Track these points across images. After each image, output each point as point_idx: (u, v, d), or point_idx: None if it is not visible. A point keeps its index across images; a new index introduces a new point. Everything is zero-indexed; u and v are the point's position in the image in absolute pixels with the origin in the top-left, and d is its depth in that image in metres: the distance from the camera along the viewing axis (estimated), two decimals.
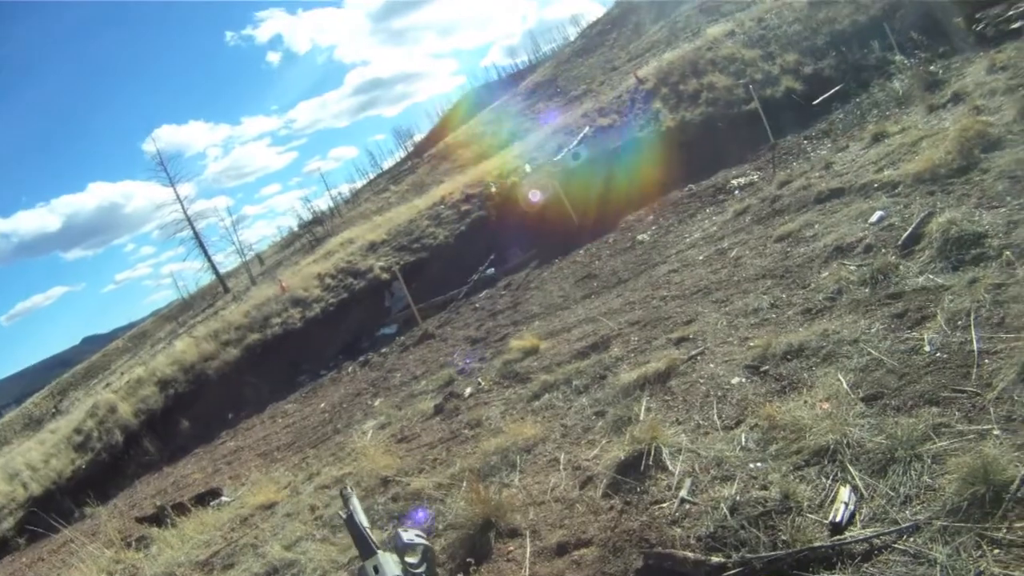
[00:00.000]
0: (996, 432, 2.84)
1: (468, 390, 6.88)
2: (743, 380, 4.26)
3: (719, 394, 4.20)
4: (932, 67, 11.37)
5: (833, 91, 13.58)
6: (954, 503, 2.56)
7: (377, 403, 9.01)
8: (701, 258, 8.06)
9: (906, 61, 12.73)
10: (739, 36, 17.50)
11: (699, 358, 4.86)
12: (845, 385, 3.68)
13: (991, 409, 3.00)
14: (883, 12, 14.80)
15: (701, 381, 4.49)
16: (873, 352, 3.90)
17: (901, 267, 4.88)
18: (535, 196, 14.87)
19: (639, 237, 11.21)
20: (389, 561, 1.14)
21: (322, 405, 10.96)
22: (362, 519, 1.33)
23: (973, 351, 3.48)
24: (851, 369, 3.84)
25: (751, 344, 4.71)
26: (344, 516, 1.35)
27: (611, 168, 14.64)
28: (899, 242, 5.32)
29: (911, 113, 10.06)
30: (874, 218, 6.18)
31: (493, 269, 13.97)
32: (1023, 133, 6.32)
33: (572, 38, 56.76)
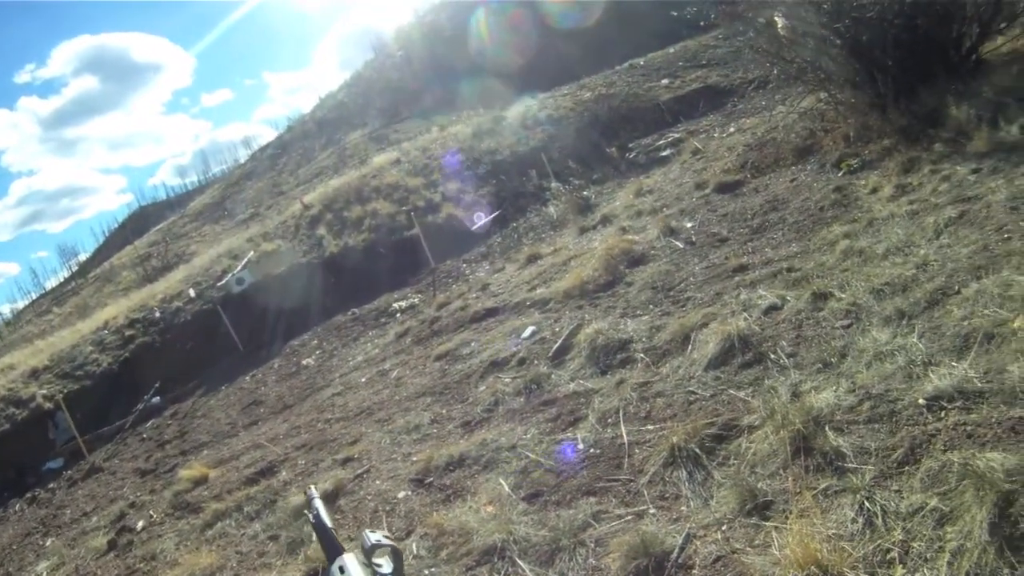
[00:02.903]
0: (652, 511, 4.15)
1: (140, 523, 8.58)
2: (409, 493, 5.65)
3: (387, 508, 5.56)
4: (585, 192, 16.14)
5: (491, 216, 18.44)
6: None
7: (49, 543, 10.50)
8: (364, 380, 10.35)
9: (561, 188, 17.72)
10: (404, 164, 24.39)
11: (365, 476, 6.41)
12: (507, 488, 4.95)
13: (644, 491, 4.36)
14: (542, 143, 21.47)
15: (369, 498, 5.93)
16: (531, 455, 5.33)
17: (553, 376, 6.76)
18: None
19: (304, 362, 14.25)
20: (354, 561, 1.46)
21: None
22: (327, 520, 1.66)
23: (624, 443, 5.00)
24: (511, 473, 5.18)
25: (414, 459, 6.16)
26: (312, 517, 1.68)
27: (276, 293, 19.02)
28: (550, 353, 7.30)
29: (564, 235, 13.83)
30: (526, 333, 8.35)
31: (159, 397, 17.38)
32: (664, 249, 9.35)
33: (243, 160, 72.96)
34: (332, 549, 1.59)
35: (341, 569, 1.46)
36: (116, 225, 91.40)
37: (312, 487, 1.95)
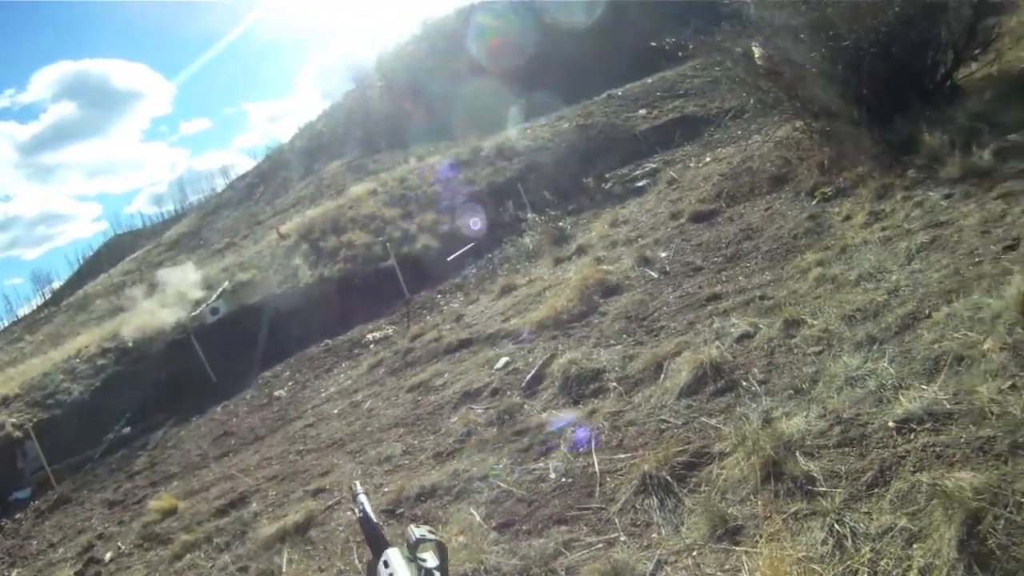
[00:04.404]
0: (623, 538, 4.17)
1: (108, 555, 8.76)
2: (380, 524, 5.44)
3: (358, 539, 5.53)
4: (561, 223, 16.38)
5: (467, 248, 18.68)
6: None
7: (15, 574, 10.74)
8: (336, 411, 10.52)
9: (537, 218, 17.85)
10: (381, 195, 24.89)
11: (336, 507, 6.52)
12: (478, 518, 4.97)
13: (616, 519, 4.38)
14: (519, 173, 21.94)
15: (340, 529, 6.03)
16: (502, 485, 5.34)
17: (526, 406, 6.83)
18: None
19: (276, 393, 14.44)
20: (398, 555, 1.51)
21: None
22: (372, 516, 1.76)
23: (595, 472, 5.03)
24: (482, 502, 5.20)
25: (386, 490, 6.21)
26: (358, 512, 1.78)
27: (250, 323, 19.45)
28: (523, 384, 7.36)
29: (539, 266, 13.97)
30: (500, 364, 8.40)
31: (130, 427, 17.41)
32: (638, 278, 9.44)
33: (220, 189, 74.72)
34: (377, 544, 1.67)
35: (385, 563, 1.50)
36: (91, 253, 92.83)
37: (357, 483, 2.04)
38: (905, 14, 9.81)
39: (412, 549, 1.53)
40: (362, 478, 6.92)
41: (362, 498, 1.90)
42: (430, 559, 1.54)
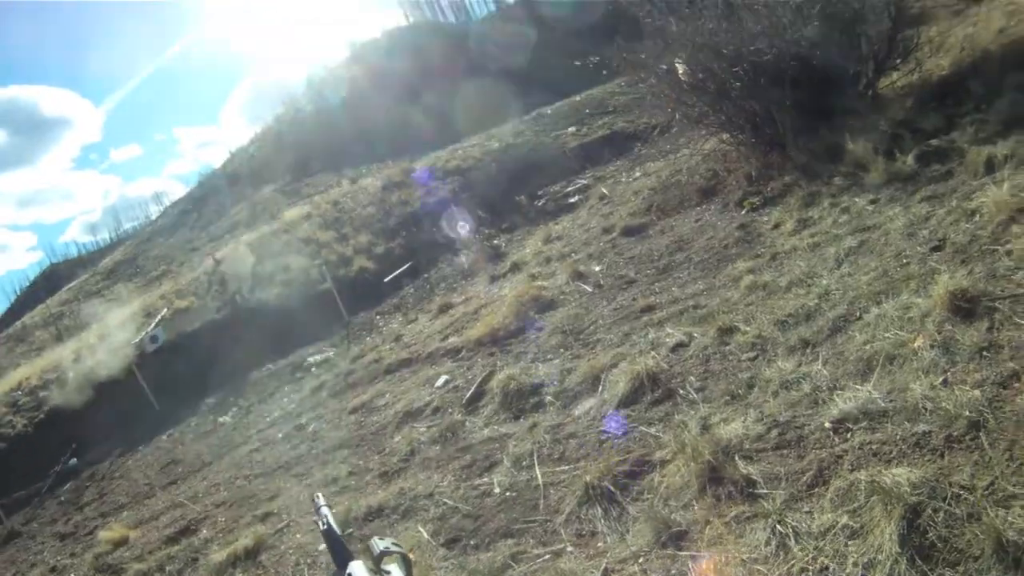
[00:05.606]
0: (569, 549, 4.16)
1: None
2: (343, 536, 5.54)
3: (309, 561, 5.70)
4: (496, 241, 16.46)
5: (403, 268, 18.66)
6: None
7: None
8: (281, 435, 10.49)
9: (471, 237, 17.95)
10: (315, 218, 25.13)
11: (285, 531, 6.57)
12: (426, 535, 4.96)
13: (561, 530, 4.37)
14: (451, 194, 22.04)
15: (290, 551, 6.08)
16: (448, 502, 5.34)
17: (467, 423, 6.80)
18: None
19: (221, 419, 14.37)
20: (362, 568, 1.49)
21: None
22: (336, 528, 1.73)
23: (539, 485, 5.00)
24: (430, 520, 5.20)
25: (334, 511, 5.89)
26: (323, 526, 1.73)
27: (191, 350, 19.59)
28: (464, 401, 7.34)
29: (475, 284, 13.95)
30: (439, 382, 8.39)
31: (76, 459, 17.41)
32: (573, 293, 9.46)
33: (154, 216, 72.31)
34: (342, 556, 1.65)
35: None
36: (27, 284, 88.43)
37: (319, 495, 1.98)
38: (825, 28, 10.10)
39: (376, 562, 1.51)
40: (310, 501, 6.88)
41: (324, 510, 1.86)
42: (394, 571, 1.53)
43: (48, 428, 19.58)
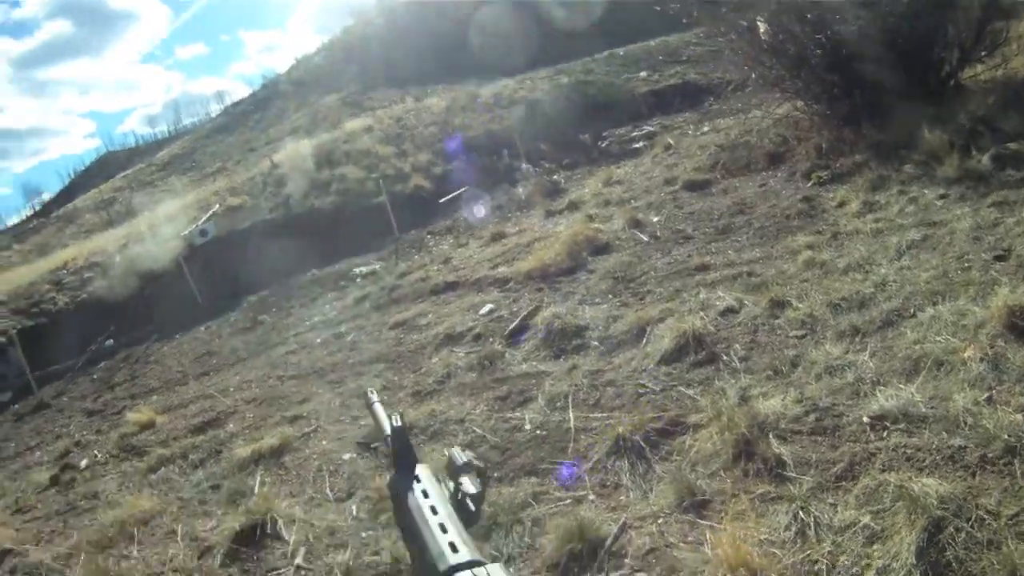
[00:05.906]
0: (591, 497, 4.23)
1: (84, 462, 8.64)
2: (354, 456, 5.81)
3: (331, 468, 5.71)
4: (555, 176, 16.39)
5: (460, 191, 18.75)
6: (553, 559, 3.74)
7: None
8: (319, 341, 10.53)
9: (531, 169, 17.91)
10: (376, 132, 25.20)
11: (312, 435, 6.56)
12: None
13: (586, 477, 4.43)
14: (516, 123, 21.97)
15: (314, 457, 6.06)
16: (478, 430, 5.42)
17: (507, 355, 6.83)
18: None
19: (261, 317, 14.53)
20: (429, 473, 1.38)
21: None
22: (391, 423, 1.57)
23: (571, 428, 5.07)
24: (456, 445, 5.21)
25: (362, 423, 6.22)
26: (396, 423, 1.50)
27: (238, 248, 19.70)
28: (506, 332, 7.39)
29: (531, 216, 13.91)
30: (484, 310, 8.43)
31: (112, 340, 17.81)
32: (628, 240, 9.44)
33: (215, 114, 74.21)
34: (406, 458, 1.49)
35: (417, 479, 1.39)
36: (83, 168, 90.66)
37: (372, 391, 1.80)
38: (914, 7, 9.71)
39: (454, 474, 1.43)
40: (339, 409, 7.01)
41: (378, 407, 1.68)
42: (466, 484, 1.42)
43: (89, 309, 19.85)
